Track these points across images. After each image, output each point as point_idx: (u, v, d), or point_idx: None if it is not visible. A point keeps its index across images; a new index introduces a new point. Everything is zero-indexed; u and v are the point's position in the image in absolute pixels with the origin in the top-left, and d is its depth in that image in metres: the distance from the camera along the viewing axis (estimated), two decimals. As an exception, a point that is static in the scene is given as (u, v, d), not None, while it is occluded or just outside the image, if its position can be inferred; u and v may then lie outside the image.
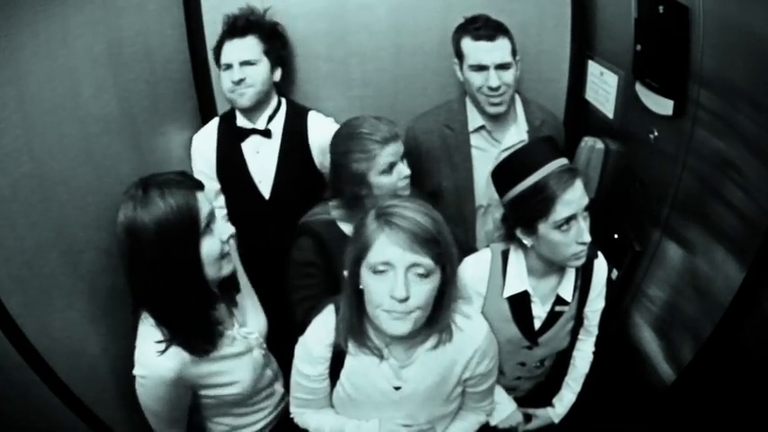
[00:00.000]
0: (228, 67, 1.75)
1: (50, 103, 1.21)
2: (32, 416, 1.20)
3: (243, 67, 1.74)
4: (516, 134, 1.80)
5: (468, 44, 1.69)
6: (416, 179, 1.70)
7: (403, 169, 1.54)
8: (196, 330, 1.20)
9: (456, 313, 1.26)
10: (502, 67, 1.66)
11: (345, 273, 1.18)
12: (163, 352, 1.16)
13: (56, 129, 1.23)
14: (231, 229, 1.24)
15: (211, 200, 1.22)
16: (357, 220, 1.18)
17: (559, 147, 1.45)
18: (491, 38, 1.65)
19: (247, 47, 1.75)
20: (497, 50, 1.65)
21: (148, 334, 1.19)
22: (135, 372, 1.20)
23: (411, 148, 1.79)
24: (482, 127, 1.79)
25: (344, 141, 1.53)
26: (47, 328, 1.18)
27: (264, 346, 1.46)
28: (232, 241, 1.29)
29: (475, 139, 1.81)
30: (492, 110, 1.73)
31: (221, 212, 1.93)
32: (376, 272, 1.09)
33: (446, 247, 1.12)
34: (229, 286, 1.34)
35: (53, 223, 1.21)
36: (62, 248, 1.24)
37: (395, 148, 1.51)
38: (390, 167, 1.50)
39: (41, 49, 1.19)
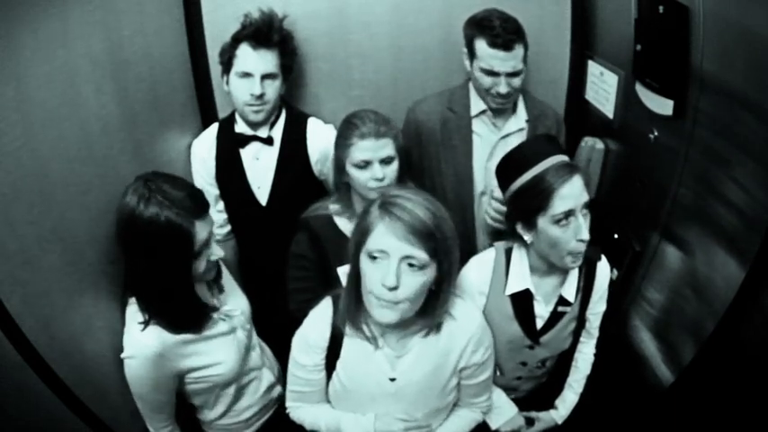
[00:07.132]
0: (247, 75, 1.70)
1: (50, 103, 1.21)
2: (32, 416, 1.20)
3: (264, 81, 1.70)
4: (515, 122, 1.81)
5: (482, 48, 1.65)
6: (416, 163, 1.73)
7: (377, 171, 1.48)
8: (179, 314, 1.29)
9: (449, 303, 1.27)
10: (513, 74, 1.65)
11: (350, 253, 1.19)
12: (144, 327, 1.26)
13: (56, 129, 1.23)
14: (220, 253, 1.34)
15: (211, 223, 1.29)
16: (353, 213, 1.21)
17: (560, 145, 1.45)
18: (508, 47, 1.61)
19: (272, 59, 1.71)
20: (512, 60, 1.63)
21: (133, 317, 1.29)
22: (122, 355, 1.27)
23: (410, 130, 1.80)
24: (484, 111, 1.79)
25: (341, 125, 1.57)
26: (47, 328, 1.18)
27: (248, 327, 1.51)
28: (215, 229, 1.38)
29: (476, 124, 1.81)
30: (496, 107, 1.75)
31: (221, 216, 1.94)
32: (372, 258, 1.12)
33: (443, 242, 1.12)
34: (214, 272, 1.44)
35: (53, 223, 1.21)
36: (62, 248, 1.23)
37: (373, 145, 1.47)
38: (365, 164, 1.49)
39: (41, 49, 1.19)
